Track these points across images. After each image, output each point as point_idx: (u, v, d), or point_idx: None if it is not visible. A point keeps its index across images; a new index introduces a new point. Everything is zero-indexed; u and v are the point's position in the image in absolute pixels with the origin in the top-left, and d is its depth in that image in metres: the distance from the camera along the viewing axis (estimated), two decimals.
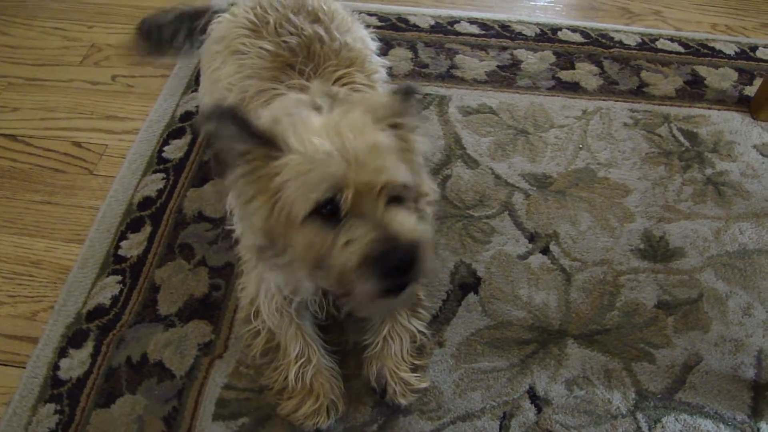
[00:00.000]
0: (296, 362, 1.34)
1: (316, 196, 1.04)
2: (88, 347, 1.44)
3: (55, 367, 1.42)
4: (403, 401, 1.35)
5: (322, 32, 1.44)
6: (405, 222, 1.06)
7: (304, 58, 1.40)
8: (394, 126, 1.15)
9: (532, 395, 1.39)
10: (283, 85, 1.35)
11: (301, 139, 1.07)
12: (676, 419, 1.37)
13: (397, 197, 1.10)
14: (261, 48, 1.41)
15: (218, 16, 1.58)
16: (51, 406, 1.36)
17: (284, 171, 1.06)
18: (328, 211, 1.04)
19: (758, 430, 1.35)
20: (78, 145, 1.89)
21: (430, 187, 1.37)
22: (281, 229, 1.09)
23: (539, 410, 1.37)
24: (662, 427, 1.36)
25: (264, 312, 1.37)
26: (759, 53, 2.22)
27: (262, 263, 1.26)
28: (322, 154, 1.04)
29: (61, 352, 1.44)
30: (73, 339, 1.46)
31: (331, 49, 1.43)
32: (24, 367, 1.42)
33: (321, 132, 1.08)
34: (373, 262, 1.01)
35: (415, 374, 1.38)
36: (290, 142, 1.07)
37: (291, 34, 1.43)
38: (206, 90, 1.55)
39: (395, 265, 1.02)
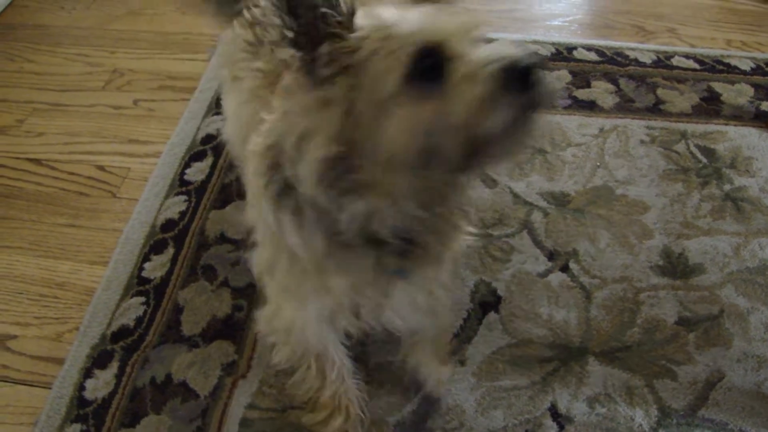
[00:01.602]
0: (332, 384, 1.32)
1: (410, 48, 0.86)
2: (113, 368, 1.46)
3: (81, 387, 1.43)
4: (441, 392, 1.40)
5: None
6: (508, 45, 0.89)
7: None
8: None
9: (554, 413, 1.39)
10: None
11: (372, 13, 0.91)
12: None
13: None
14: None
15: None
16: (77, 426, 1.38)
17: (366, 42, 0.88)
18: (427, 68, 0.87)
19: None
20: (101, 168, 1.93)
21: None
22: (366, 119, 0.89)
23: (561, 428, 1.37)
24: None
25: (303, 338, 1.24)
26: None
27: (321, 198, 0.96)
28: (404, 17, 0.89)
29: (87, 373, 1.45)
30: (98, 360, 1.48)
31: None
32: (50, 388, 1.43)
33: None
34: (506, 74, 0.84)
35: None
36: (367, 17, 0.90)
37: None
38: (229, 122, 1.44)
39: (529, 70, 0.85)
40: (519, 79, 0.84)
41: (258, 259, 1.19)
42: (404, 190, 0.94)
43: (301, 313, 1.19)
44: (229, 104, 1.40)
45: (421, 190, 0.96)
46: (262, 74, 1.21)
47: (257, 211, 1.10)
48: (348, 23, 0.87)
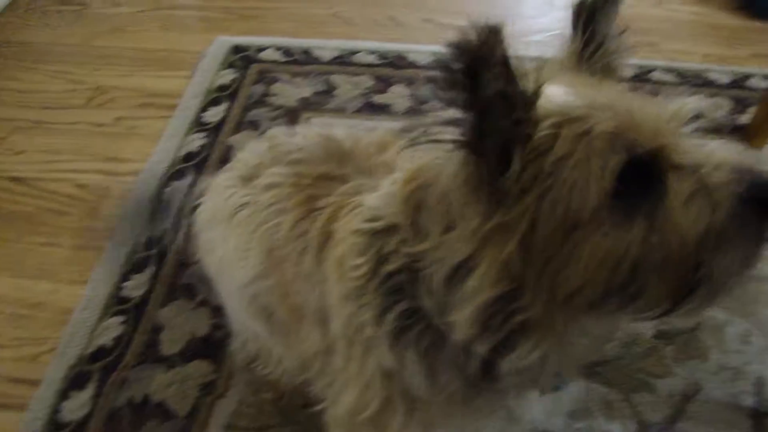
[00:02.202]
0: None
1: (618, 157, 0.67)
2: (90, 389, 1.45)
3: (57, 409, 1.42)
4: None
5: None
6: (736, 150, 0.73)
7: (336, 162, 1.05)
8: None
9: (533, 429, 1.40)
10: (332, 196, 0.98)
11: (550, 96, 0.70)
12: None
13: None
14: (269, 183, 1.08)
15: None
16: None
17: (557, 142, 0.68)
18: (637, 179, 0.68)
19: None
20: (81, 186, 1.93)
21: None
22: (549, 246, 0.69)
23: None
24: None
25: None
26: (751, 82, 2.25)
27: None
28: (597, 103, 0.70)
29: (63, 394, 1.45)
30: (75, 381, 1.47)
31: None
32: (25, 411, 1.42)
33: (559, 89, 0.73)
34: (751, 195, 0.68)
35: None
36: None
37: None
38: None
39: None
40: (764, 205, 0.69)
41: (352, 407, 0.96)
42: (576, 332, 0.78)
43: None
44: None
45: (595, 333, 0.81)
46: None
47: (354, 353, 0.91)
48: (531, 112, 0.68)
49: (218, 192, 1.17)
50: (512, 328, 0.73)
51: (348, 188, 0.96)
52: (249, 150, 1.21)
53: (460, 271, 0.72)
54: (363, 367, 0.91)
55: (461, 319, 0.73)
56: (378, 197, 0.87)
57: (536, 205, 0.67)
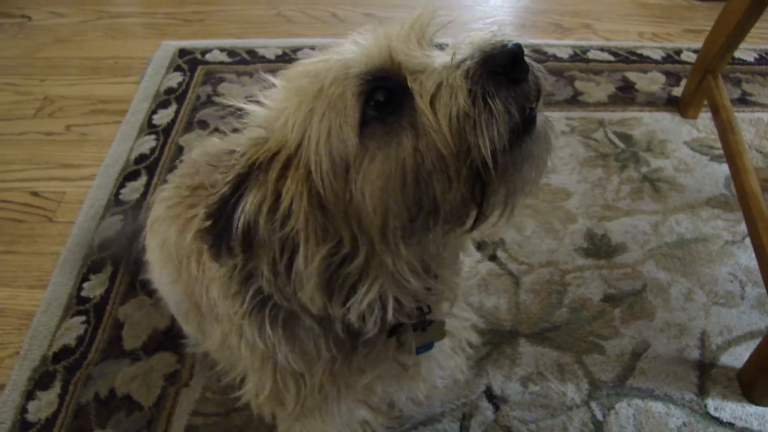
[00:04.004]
0: None
1: (355, 85, 0.70)
2: (56, 388, 1.47)
3: (24, 410, 1.44)
4: None
5: None
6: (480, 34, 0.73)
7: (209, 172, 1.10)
8: None
9: (489, 395, 1.45)
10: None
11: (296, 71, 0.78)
12: (629, 404, 1.43)
13: None
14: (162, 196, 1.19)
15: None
16: None
17: (282, 112, 0.75)
18: (384, 100, 0.70)
19: (705, 406, 1.42)
20: (36, 194, 1.93)
21: None
22: (339, 190, 0.72)
23: (497, 408, 1.42)
24: (616, 413, 1.42)
25: None
26: (683, 56, 2.34)
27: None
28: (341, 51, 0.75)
29: (29, 395, 1.46)
30: (40, 381, 1.48)
31: None
32: None
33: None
34: (487, 67, 0.67)
35: None
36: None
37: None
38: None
39: (514, 54, 0.68)
40: (505, 70, 0.68)
41: (254, 391, 1.04)
42: (406, 263, 0.78)
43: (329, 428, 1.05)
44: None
45: (423, 258, 0.81)
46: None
47: (237, 341, 0.96)
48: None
49: (158, 202, 1.24)
50: (352, 281, 0.78)
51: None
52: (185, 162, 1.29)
53: (285, 254, 0.76)
54: (252, 353, 0.96)
55: (309, 291, 0.77)
56: None
57: (305, 172, 0.72)
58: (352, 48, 0.75)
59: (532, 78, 0.71)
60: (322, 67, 0.74)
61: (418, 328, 0.93)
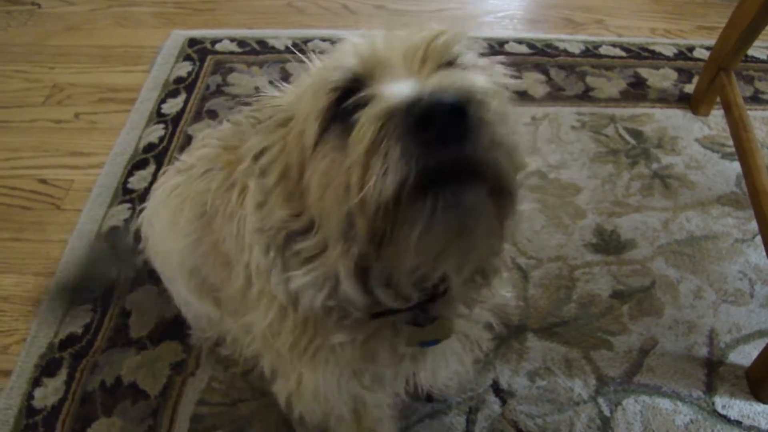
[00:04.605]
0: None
1: (330, 86, 0.73)
2: (62, 375, 1.47)
3: (30, 396, 1.44)
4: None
5: None
6: (458, 75, 0.71)
7: None
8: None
9: (496, 389, 1.44)
10: None
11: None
12: (636, 401, 1.42)
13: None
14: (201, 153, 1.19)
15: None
16: None
17: (294, 93, 0.83)
18: (350, 110, 0.70)
19: (713, 404, 1.41)
20: (44, 182, 1.93)
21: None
22: (298, 174, 0.77)
23: (504, 402, 1.42)
24: (623, 409, 1.41)
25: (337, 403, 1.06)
26: (696, 53, 2.33)
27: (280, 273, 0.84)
28: (344, 47, 0.77)
29: (35, 382, 1.46)
30: (46, 368, 1.48)
31: None
32: None
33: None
34: (397, 114, 0.63)
35: None
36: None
37: None
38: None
39: (431, 107, 0.61)
40: (423, 125, 0.61)
41: (261, 324, 1.02)
42: (359, 263, 0.76)
43: (329, 377, 1.00)
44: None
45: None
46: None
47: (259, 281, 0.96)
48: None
49: (158, 190, 1.27)
50: (306, 256, 0.81)
51: None
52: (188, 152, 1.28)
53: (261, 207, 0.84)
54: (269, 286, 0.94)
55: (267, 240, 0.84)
56: None
57: (284, 143, 0.80)
58: (348, 50, 0.76)
59: (474, 145, 0.63)
60: (347, 47, 0.76)
61: (419, 322, 0.88)
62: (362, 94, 0.70)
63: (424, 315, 0.89)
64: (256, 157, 0.84)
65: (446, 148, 0.62)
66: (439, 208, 0.63)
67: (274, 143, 0.82)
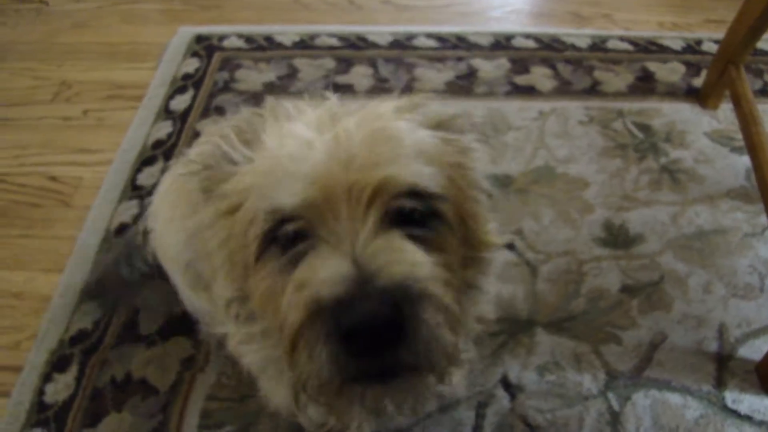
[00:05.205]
0: None
1: (268, 207, 0.71)
2: (73, 371, 1.48)
3: (41, 392, 1.44)
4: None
5: None
6: (397, 253, 0.67)
7: None
8: (438, 128, 0.83)
9: (506, 383, 1.44)
10: None
11: (280, 134, 0.76)
12: (645, 395, 1.42)
13: (407, 215, 0.72)
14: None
15: None
16: (38, 431, 1.39)
17: (245, 177, 0.76)
18: (293, 235, 0.70)
19: (723, 398, 1.41)
20: (53, 179, 1.94)
21: (495, 231, 0.92)
22: (240, 268, 0.79)
23: (513, 397, 1.42)
24: (632, 403, 1.41)
25: None
26: (704, 47, 2.32)
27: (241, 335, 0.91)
28: (295, 147, 0.72)
29: (46, 378, 1.47)
30: (57, 364, 1.49)
31: None
32: (9, 396, 1.44)
33: (311, 122, 0.76)
34: (326, 314, 0.62)
35: None
36: (260, 141, 0.78)
37: None
38: None
39: (362, 323, 0.60)
40: (350, 331, 0.61)
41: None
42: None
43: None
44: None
45: None
46: None
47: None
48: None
49: (162, 185, 1.30)
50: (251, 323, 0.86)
51: None
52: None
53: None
54: None
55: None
56: None
57: (230, 226, 0.78)
58: (312, 163, 0.71)
59: (406, 350, 0.63)
60: (296, 152, 0.73)
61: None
62: (300, 226, 0.70)
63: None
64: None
65: (376, 358, 0.62)
66: (367, 396, 0.69)
67: (221, 228, 0.81)
